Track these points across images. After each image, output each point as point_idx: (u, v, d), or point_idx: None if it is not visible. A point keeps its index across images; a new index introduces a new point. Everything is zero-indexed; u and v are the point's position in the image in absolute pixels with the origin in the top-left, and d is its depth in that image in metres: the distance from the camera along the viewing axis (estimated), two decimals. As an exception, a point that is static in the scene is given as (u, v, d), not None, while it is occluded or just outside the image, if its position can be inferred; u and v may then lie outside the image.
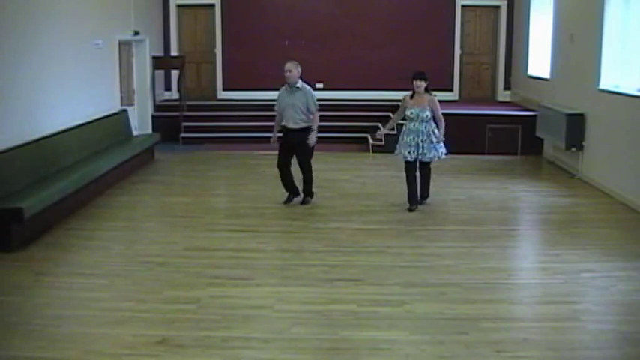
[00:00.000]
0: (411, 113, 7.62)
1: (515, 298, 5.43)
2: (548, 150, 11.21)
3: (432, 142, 7.63)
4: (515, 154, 11.36)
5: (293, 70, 7.77)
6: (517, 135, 11.37)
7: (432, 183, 8.04)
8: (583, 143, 9.57)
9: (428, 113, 7.55)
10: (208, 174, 10.29)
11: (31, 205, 6.44)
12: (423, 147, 7.63)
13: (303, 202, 8.07)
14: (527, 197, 8.83)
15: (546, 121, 10.55)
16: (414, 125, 7.64)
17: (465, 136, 11.45)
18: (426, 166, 7.90)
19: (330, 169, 10.19)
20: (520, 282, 5.82)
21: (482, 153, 11.41)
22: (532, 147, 11.35)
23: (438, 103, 7.68)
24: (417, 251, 6.45)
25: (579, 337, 4.70)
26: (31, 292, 5.39)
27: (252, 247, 6.56)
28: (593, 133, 9.38)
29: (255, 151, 11.51)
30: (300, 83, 7.83)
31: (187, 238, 6.86)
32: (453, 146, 11.17)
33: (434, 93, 7.78)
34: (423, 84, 7.58)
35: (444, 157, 7.86)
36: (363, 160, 11.24)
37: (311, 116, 7.87)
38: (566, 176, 9.86)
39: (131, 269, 5.90)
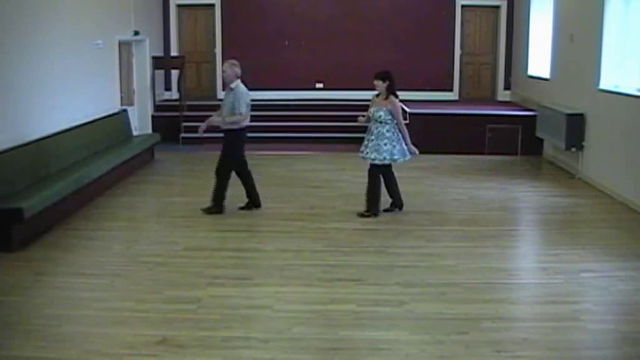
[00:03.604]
0: (370, 112, 7.54)
1: (515, 298, 5.43)
2: (548, 150, 11.20)
3: (380, 143, 7.42)
4: (515, 154, 11.34)
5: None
6: (517, 135, 11.36)
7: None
8: (583, 143, 9.56)
9: (382, 114, 7.45)
10: (208, 174, 10.21)
11: (31, 205, 6.44)
12: (367, 145, 7.55)
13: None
14: (527, 197, 8.82)
15: (546, 121, 10.55)
16: (371, 124, 7.56)
17: (465, 136, 11.48)
18: (372, 168, 7.62)
19: (330, 169, 10.20)
20: (520, 282, 5.82)
21: (483, 153, 11.40)
22: (532, 147, 11.34)
23: (397, 107, 7.44)
24: (417, 251, 6.45)
25: (579, 337, 4.70)
26: (31, 292, 5.39)
27: (252, 247, 6.57)
28: (593, 133, 9.38)
29: (255, 151, 11.48)
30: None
31: (187, 238, 6.86)
32: (453, 146, 11.36)
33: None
34: (379, 83, 7.53)
35: (389, 160, 7.49)
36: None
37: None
38: (566, 176, 9.86)
39: (131, 269, 5.90)
